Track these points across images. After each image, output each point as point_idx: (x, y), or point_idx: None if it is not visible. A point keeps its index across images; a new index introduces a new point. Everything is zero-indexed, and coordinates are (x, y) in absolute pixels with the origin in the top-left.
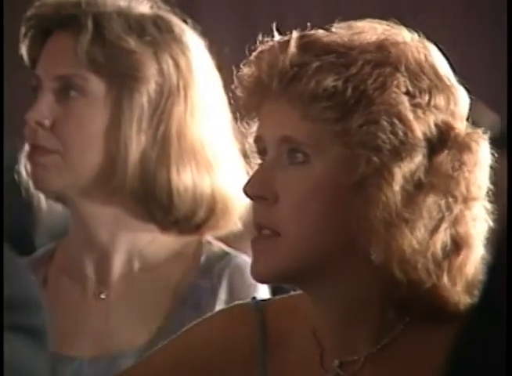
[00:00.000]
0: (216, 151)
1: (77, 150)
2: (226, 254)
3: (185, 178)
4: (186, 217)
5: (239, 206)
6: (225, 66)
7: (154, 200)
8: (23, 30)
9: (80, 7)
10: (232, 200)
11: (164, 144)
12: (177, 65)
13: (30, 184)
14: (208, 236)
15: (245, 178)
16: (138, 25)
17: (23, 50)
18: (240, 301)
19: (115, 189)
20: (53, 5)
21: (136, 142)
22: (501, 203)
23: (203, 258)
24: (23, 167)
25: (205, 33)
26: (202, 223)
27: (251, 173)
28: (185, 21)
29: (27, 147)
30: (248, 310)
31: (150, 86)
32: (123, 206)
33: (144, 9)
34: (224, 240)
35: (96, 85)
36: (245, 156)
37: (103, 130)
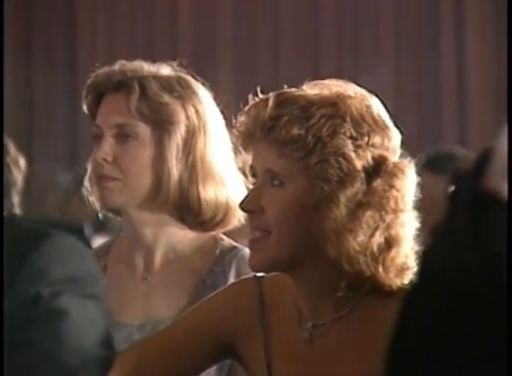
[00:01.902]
0: (226, 170)
1: (134, 177)
2: (234, 247)
3: (210, 192)
4: (210, 219)
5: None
6: (225, 110)
7: (188, 208)
8: (84, 93)
9: (126, 74)
10: (237, 205)
11: (192, 168)
12: (197, 111)
13: (95, 202)
14: (221, 235)
15: (244, 190)
16: (168, 84)
17: (85, 108)
18: (244, 276)
19: (161, 203)
20: (105, 74)
21: (175, 169)
22: (425, 209)
23: (217, 251)
24: (88, 190)
25: (210, 87)
26: (219, 222)
27: (247, 186)
28: (196, 79)
29: (93, 176)
30: (251, 282)
31: (181, 128)
32: (164, 213)
33: (167, 71)
34: (230, 233)
35: (144, 130)
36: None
37: (151, 161)
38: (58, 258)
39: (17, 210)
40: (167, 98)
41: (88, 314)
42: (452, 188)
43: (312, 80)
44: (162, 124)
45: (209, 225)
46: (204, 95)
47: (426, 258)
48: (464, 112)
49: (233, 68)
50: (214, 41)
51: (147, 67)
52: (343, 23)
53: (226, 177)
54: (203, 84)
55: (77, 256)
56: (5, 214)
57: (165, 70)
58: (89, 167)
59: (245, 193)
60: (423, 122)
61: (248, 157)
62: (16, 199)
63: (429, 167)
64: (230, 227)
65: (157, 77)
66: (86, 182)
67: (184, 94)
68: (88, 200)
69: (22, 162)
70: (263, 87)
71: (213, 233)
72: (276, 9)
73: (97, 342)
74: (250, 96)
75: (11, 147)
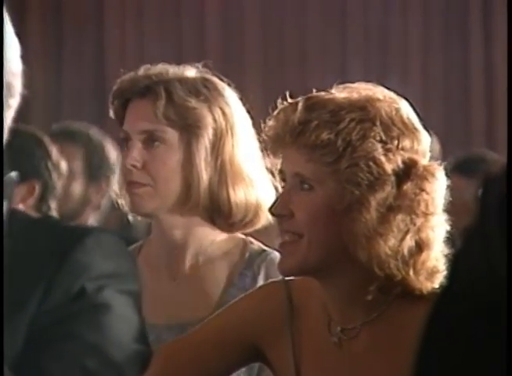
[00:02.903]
0: (254, 171)
1: (163, 182)
2: (263, 251)
3: (240, 194)
4: (240, 220)
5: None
6: (251, 110)
7: (218, 211)
8: (110, 99)
9: (151, 79)
10: (266, 205)
11: (222, 171)
12: (224, 113)
13: (126, 207)
14: (251, 238)
15: (272, 190)
16: (193, 88)
17: (112, 113)
18: (273, 279)
19: (191, 207)
20: (130, 80)
21: (205, 173)
22: (455, 212)
23: (247, 255)
24: (117, 194)
25: (236, 87)
26: (249, 222)
27: (275, 185)
28: (221, 79)
29: (122, 182)
30: (279, 286)
31: (209, 131)
32: (194, 216)
33: (192, 73)
34: (255, 233)
35: (172, 135)
36: (272, 174)
37: (180, 166)
38: (102, 255)
39: (54, 214)
40: (193, 102)
41: (127, 309)
42: (482, 191)
43: (341, 84)
44: (190, 129)
45: (239, 225)
46: (230, 97)
47: (455, 262)
48: (492, 116)
49: (261, 69)
50: (242, 42)
51: (172, 70)
52: (370, 24)
53: (255, 178)
54: (229, 85)
55: (118, 253)
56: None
57: (190, 72)
58: (117, 171)
59: (273, 192)
60: (450, 126)
61: (277, 160)
62: (53, 204)
63: (459, 170)
64: (259, 226)
65: (183, 81)
66: (115, 187)
67: (210, 97)
68: (117, 203)
69: (63, 166)
70: (290, 87)
71: (241, 232)
72: (303, 10)
73: (136, 337)
74: (279, 101)
75: (53, 151)
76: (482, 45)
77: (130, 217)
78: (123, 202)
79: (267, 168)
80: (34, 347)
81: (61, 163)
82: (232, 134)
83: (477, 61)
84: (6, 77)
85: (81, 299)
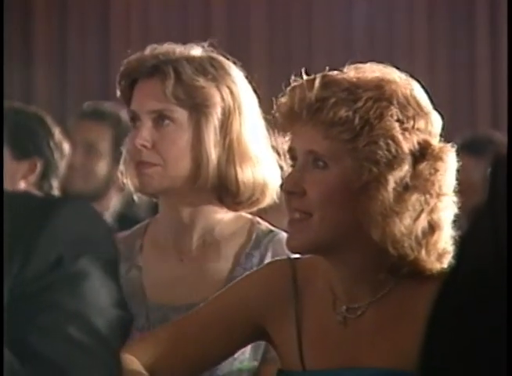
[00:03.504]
0: (260, 150)
1: (173, 161)
2: (271, 231)
3: (247, 173)
4: (247, 199)
5: (275, 188)
6: (257, 88)
7: (226, 189)
8: (117, 79)
9: (158, 58)
10: (272, 184)
11: (229, 150)
12: (231, 92)
13: (131, 186)
14: (258, 219)
15: (277, 169)
16: (201, 67)
17: (118, 94)
18: (279, 258)
19: (200, 186)
20: (137, 60)
21: (214, 152)
22: (463, 192)
23: (254, 235)
24: (123, 173)
25: (242, 66)
26: (256, 201)
27: (280, 164)
28: (227, 58)
29: (130, 162)
30: (284, 264)
31: (217, 110)
32: (201, 196)
33: (198, 52)
34: (262, 212)
35: (181, 114)
36: (277, 153)
37: (190, 145)
38: (77, 222)
39: (55, 193)
40: (202, 81)
41: (106, 275)
42: (490, 172)
43: (352, 63)
44: (198, 108)
45: (245, 204)
46: (237, 75)
47: (464, 242)
48: (497, 98)
49: (266, 48)
50: (247, 20)
51: (178, 50)
52: (375, 16)
53: (261, 156)
54: (234, 63)
55: (94, 221)
56: (41, 194)
57: (196, 51)
58: (125, 151)
59: (279, 172)
60: (456, 109)
61: (283, 138)
62: (55, 182)
63: (466, 150)
64: (265, 205)
65: (190, 60)
66: (121, 166)
67: (217, 76)
68: (122, 183)
69: (66, 147)
70: (296, 66)
71: (247, 211)
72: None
73: (115, 303)
74: (292, 78)
75: (56, 132)
76: (488, 39)
77: (135, 197)
78: (129, 182)
79: (273, 147)
80: (16, 318)
81: (63, 143)
82: (239, 112)
83: (483, 56)
84: None
85: (59, 268)
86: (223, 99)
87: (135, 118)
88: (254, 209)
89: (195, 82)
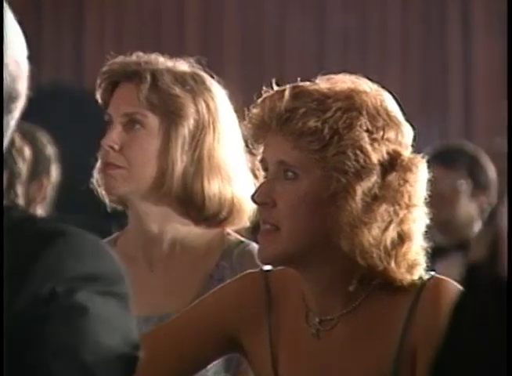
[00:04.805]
0: (234, 168)
1: (139, 166)
2: (241, 242)
3: (214, 188)
4: (213, 215)
5: (248, 209)
6: (239, 109)
7: (191, 202)
8: (98, 81)
9: (140, 65)
10: (245, 204)
11: (199, 163)
12: (208, 107)
13: (101, 190)
14: (228, 230)
15: (253, 188)
16: (181, 78)
17: (98, 96)
18: (251, 270)
19: (164, 194)
20: (120, 63)
21: (180, 161)
22: (436, 204)
23: (225, 246)
24: (96, 179)
25: (226, 86)
26: (224, 220)
27: (257, 184)
28: (212, 76)
29: (100, 164)
30: (257, 277)
31: (190, 121)
32: (169, 206)
33: (185, 67)
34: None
35: (152, 120)
36: (253, 172)
37: (157, 152)
38: (73, 256)
39: (20, 201)
40: (178, 90)
41: (109, 312)
42: (466, 276)
43: (325, 74)
44: (171, 116)
45: (213, 221)
46: (218, 92)
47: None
48: (470, 108)
49: (239, 62)
50: (220, 32)
51: (162, 60)
52: (349, 20)
53: (234, 175)
54: (219, 82)
55: (94, 253)
56: (6, 203)
57: (182, 65)
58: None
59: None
60: (428, 118)
61: (258, 157)
62: (20, 190)
63: (437, 161)
64: (237, 226)
65: (171, 71)
66: (95, 173)
67: (196, 89)
68: (97, 192)
69: (27, 152)
70: (268, 80)
71: (221, 229)
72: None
73: (119, 340)
74: (264, 88)
75: (16, 137)
76: (460, 38)
77: (107, 207)
78: (98, 186)
79: (250, 169)
80: (4, 349)
81: (24, 149)
82: (214, 128)
83: (456, 55)
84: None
85: (52, 302)
86: (198, 111)
87: (109, 121)
88: (225, 229)
89: (170, 90)
